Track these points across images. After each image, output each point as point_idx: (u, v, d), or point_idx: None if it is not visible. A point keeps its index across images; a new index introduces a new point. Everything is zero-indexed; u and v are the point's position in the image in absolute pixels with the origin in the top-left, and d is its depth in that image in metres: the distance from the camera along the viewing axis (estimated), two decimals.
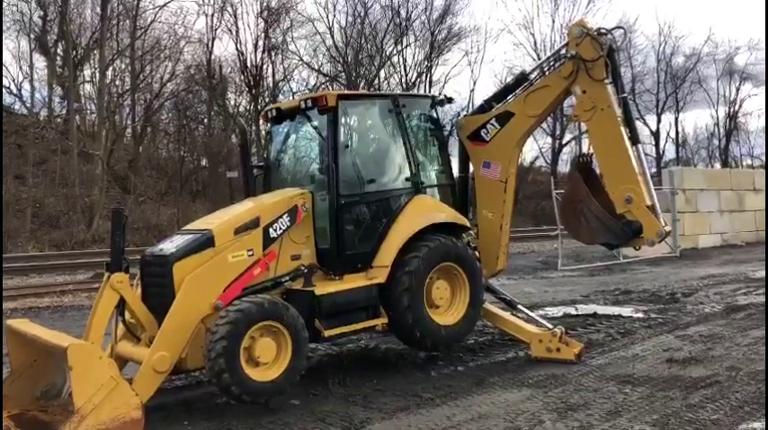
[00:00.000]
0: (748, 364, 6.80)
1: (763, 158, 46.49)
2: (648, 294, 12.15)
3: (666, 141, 49.63)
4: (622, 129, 7.27)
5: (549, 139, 44.94)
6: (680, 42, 49.49)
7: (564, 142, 46.74)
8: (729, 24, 79.87)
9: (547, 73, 7.77)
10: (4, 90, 31.87)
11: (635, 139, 7.40)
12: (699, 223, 21.80)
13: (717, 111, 51.26)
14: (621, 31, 7.36)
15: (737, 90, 51.30)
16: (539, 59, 42.80)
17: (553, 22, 45.64)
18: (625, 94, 7.56)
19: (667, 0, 71.64)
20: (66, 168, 30.97)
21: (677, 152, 49.67)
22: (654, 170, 45.73)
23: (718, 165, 49.23)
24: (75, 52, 34.05)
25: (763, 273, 13.90)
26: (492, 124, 7.80)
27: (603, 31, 7.34)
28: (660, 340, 8.20)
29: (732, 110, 51.49)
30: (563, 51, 7.57)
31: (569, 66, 7.32)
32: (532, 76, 7.87)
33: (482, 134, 7.86)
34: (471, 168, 8.10)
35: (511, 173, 7.85)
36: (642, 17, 70.26)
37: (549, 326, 7.53)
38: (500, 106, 7.93)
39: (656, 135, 49.00)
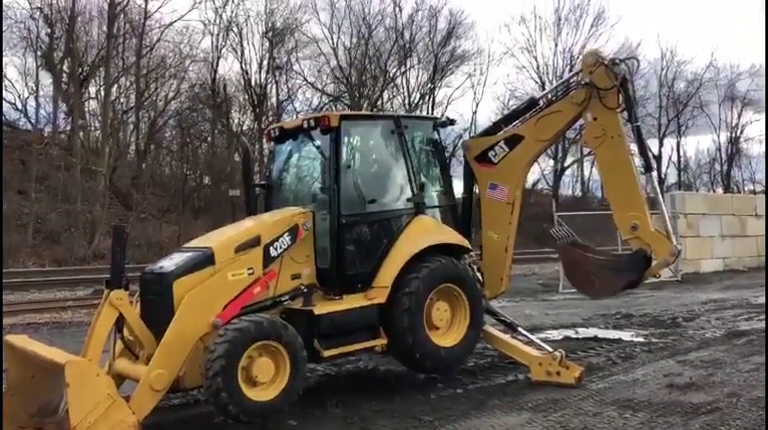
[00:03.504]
0: (749, 391, 6.75)
1: (765, 183, 46.54)
2: (649, 318, 12.10)
3: (668, 166, 49.76)
4: (632, 157, 7.27)
5: (551, 162, 45.05)
6: (682, 68, 49.60)
7: (566, 165, 46.94)
8: (731, 50, 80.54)
9: (554, 99, 7.82)
10: (9, 106, 32.11)
11: (648, 167, 7.40)
12: (700, 248, 21.75)
13: (718, 136, 51.37)
14: (635, 61, 7.42)
15: (739, 115, 51.47)
16: (541, 82, 43.54)
17: (556, 46, 46.08)
18: (638, 123, 7.59)
19: (670, 25, 72.36)
20: (68, 184, 31.04)
21: (679, 176, 49.75)
22: None
23: (719, 190, 49.22)
24: (80, 69, 34.31)
25: (764, 299, 13.84)
26: (501, 146, 7.82)
27: (617, 60, 7.39)
28: (661, 365, 8.14)
29: (734, 135, 51.62)
30: (575, 78, 7.61)
31: (582, 93, 7.33)
32: (541, 102, 7.91)
33: (490, 156, 7.88)
34: (476, 189, 8.12)
35: (517, 195, 7.87)
36: (645, 42, 70.89)
37: (550, 349, 7.48)
38: (509, 129, 7.97)
39: (657, 159, 49.05)
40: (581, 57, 7.97)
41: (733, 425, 5.68)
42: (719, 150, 51.78)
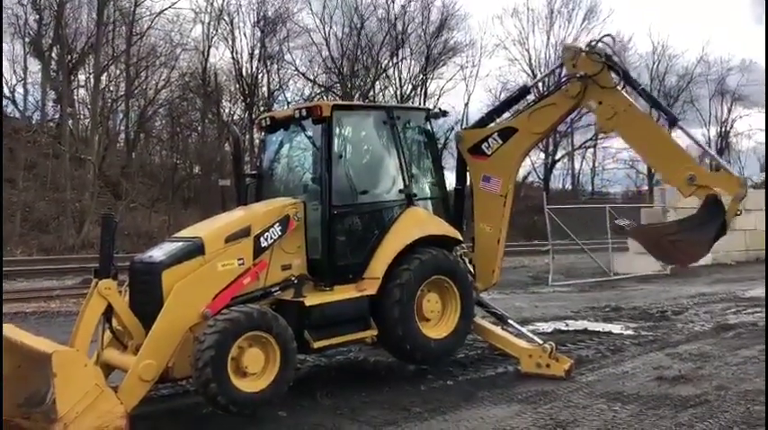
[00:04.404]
0: (737, 384, 6.79)
1: (754, 179, 46.79)
2: (639, 311, 12.15)
3: None
4: (652, 120, 7.18)
5: (542, 155, 45.12)
6: (673, 62, 49.77)
7: (557, 158, 47.03)
8: (722, 45, 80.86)
9: (543, 90, 7.80)
10: None
11: (672, 121, 7.35)
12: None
13: (708, 130, 51.55)
14: (610, 38, 7.39)
15: (729, 110, 51.71)
16: (533, 75, 43.56)
17: (548, 39, 46.13)
18: (641, 85, 7.54)
19: (662, 19, 72.52)
20: (57, 173, 30.81)
21: None
22: (646, 188, 46.07)
23: None
24: (69, 57, 33.96)
25: (752, 293, 13.96)
26: (494, 139, 7.80)
27: (593, 43, 7.39)
28: (650, 358, 8.18)
29: (723, 130, 51.88)
30: (565, 71, 7.57)
31: (577, 85, 7.30)
32: (533, 91, 7.90)
33: (483, 148, 7.86)
34: (468, 181, 8.10)
35: (510, 188, 7.86)
36: (636, 36, 71.10)
37: (540, 341, 7.49)
38: (503, 121, 7.94)
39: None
40: (560, 54, 7.95)
41: (721, 418, 5.71)
42: (709, 144, 51.97)
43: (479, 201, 7.97)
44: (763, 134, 46.45)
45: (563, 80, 7.60)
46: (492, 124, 8.09)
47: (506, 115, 8.25)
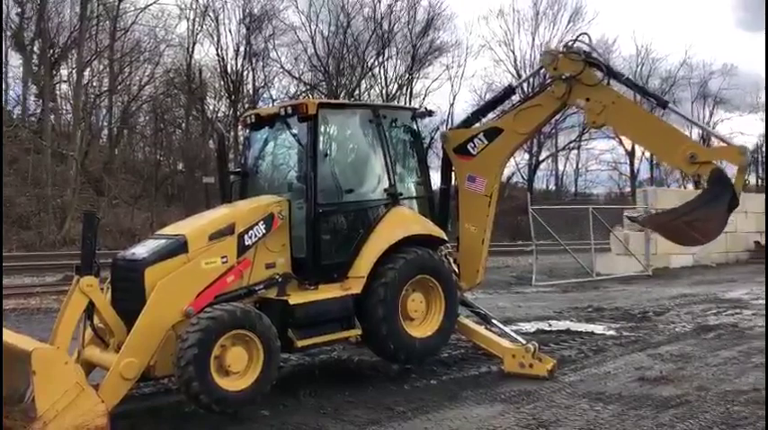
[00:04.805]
0: (717, 385, 6.86)
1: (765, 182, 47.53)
2: (621, 312, 12.24)
3: (641, 161, 50.25)
4: (642, 108, 7.27)
5: (527, 156, 45.32)
6: (656, 65, 50.22)
7: (541, 159, 47.25)
8: (705, 49, 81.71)
9: (528, 90, 7.83)
10: None
11: (662, 104, 7.40)
12: (671, 243, 22.00)
13: (690, 133, 51.91)
14: (585, 35, 7.45)
15: (711, 114, 52.25)
16: (518, 76, 43.71)
17: (533, 40, 46.29)
18: (625, 76, 7.60)
19: (645, 23, 73.11)
20: (38, 168, 30.44)
21: (651, 172, 50.25)
22: (628, 189, 46.42)
23: (690, 186, 49.93)
24: (52, 51, 33.58)
25: (732, 294, 14.12)
26: (480, 139, 7.82)
27: (569, 43, 7.44)
28: (632, 358, 8.24)
29: (705, 133, 52.27)
30: (547, 73, 7.61)
31: (562, 86, 7.33)
32: (518, 91, 7.92)
33: (469, 148, 7.87)
34: (453, 181, 8.11)
35: (495, 188, 7.88)
36: (621, 39, 71.70)
37: (523, 341, 7.52)
38: (488, 121, 7.96)
39: (630, 155, 49.66)
40: (539, 60, 7.99)
41: (701, 418, 5.76)
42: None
43: (464, 201, 7.98)
44: (744, 138, 46.95)
45: (547, 82, 7.63)
46: (477, 124, 8.11)
47: (491, 115, 8.29)
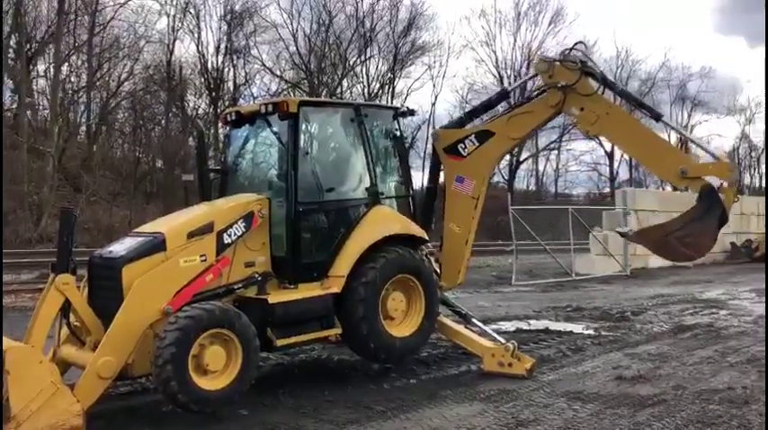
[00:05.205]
0: (694, 384, 6.94)
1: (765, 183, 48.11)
2: (599, 312, 12.34)
3: (620, 162, 50.79)
4: (636, 119, 7.33)
5: (507, 156, 45.48)
6: (636, 67, 50.78)
7: (521, 159, 47.50)
8: (683, 52, 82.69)
9: (524, 100, 7.83)
10: None
11: (656, 116, 7.44)
12: None
13: (669, 135, 52.31)
14: (581, 44, 7.47)
15: (689, 116, 52.92)
16: (499, 77, 43.93)
17: (515, 40, 46.57)
18: (621, 87, 7.65)
19: (626, 25, 73.84)
20: (14, 164, 29.93)
21: (630, 173, 50.82)
22: (608, 190, 46.83)
23: (669, 188, 50.53)
24: (29, 45, 33.11)
25: (709, 295, 14.30)
26: (471, 140, 7.82)
27: (566, 52, 7.46)
28: (610, 357, 8.31)
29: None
30: (541, 81, 7.58)
31: (557, 95, 7.34)
32: (512, 95, 7.92)
33: (459, 148, 7.87)
34: (441, 180, 8.11)
35: (482, 190, 7.89)
36: (601, 40, 72.35)
37: (502, 340, 7.55)
38: (480, 124, 7.96)
39: (610, 156, 50.11)
40: (533, 66, 7.99)
41: (678, 417, 5.82)
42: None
43: (451, 202, 7.99)
44: (722, 140, 47.66)
45: (542, 89, 7.58)
46: (469, 125, 8.11)
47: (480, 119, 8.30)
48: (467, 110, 8.40)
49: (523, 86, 8.12)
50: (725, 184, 6.77)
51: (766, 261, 17.51)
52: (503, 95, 8.17)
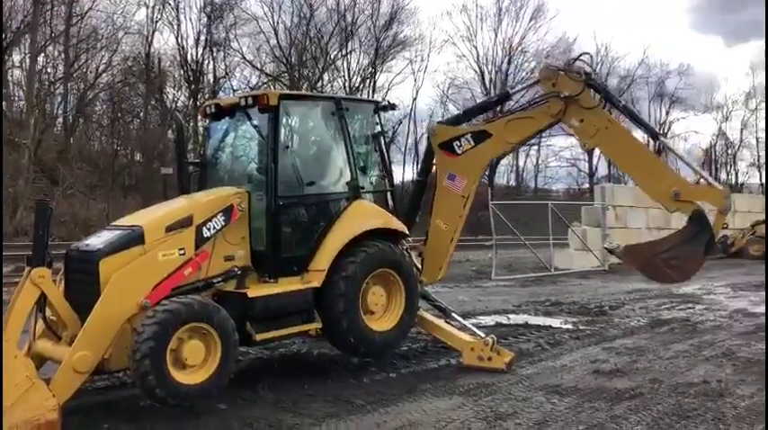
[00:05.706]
0: (670, 377, 7.03)
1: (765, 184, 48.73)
2: (578, 306, 12.45)
3: (599, 158, 51.15)
4: (635, 135, 7.31)
5: None
6: (615, 63, 51.19)
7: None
8: (662, 49, 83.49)
9: (526, 105, 7.81)
10: None
11: (653, 135, 7.47)
12: (627, 239, 22.19)
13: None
14: (587, 55, 7.49)
15: (667, 113, 53.50)
16: (480, 72, 44.02)
17: (496, 36, 46.65)
18: (623, 102, 7.68)
19: (605, 22, 74.37)
20: None
21: (609, 169, 51.18)
22: (587, 186, 47.21)
23: None
24: (3, 35, 32.51)
25: (685, 289, 14.46)
26: (467, 139, 7.80)
27: (571, 61, 7.48)
28: (588, 351, 8.39)
29: (661, 132, 53.51)
30: (545, 89, 7.52)
31: (558, 104, 7.32)
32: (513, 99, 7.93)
33: (454, 146, 7.85)
34: (430, 175, 8.11)
35: (472, 190, 7.89)
36: (581, 37, 72.70)
37: (482, 334, 7.59)
38: (478, 123, 7.95)
39: (589, 152, 50.47)
40: (537, 73, 7.98)
41: (654, 410, 5.89)
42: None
43: (440, 198, 7.98)
44: (698, 137, 48.24)
45: (545, 97, 7.51)
46: (465, 124, 8.10)
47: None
48: (464, 109, 8.35)
49: (505, 88, 8.12)
50: (717, 211, 6.85)
51: (766, 261, 17.78)
52: (503, 97, 8.16)
